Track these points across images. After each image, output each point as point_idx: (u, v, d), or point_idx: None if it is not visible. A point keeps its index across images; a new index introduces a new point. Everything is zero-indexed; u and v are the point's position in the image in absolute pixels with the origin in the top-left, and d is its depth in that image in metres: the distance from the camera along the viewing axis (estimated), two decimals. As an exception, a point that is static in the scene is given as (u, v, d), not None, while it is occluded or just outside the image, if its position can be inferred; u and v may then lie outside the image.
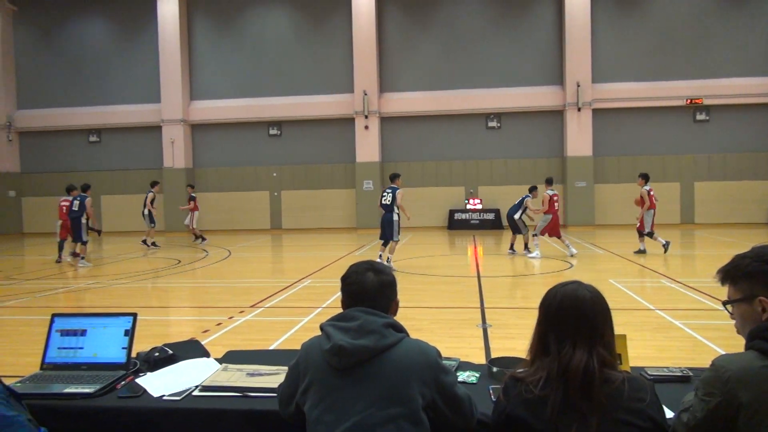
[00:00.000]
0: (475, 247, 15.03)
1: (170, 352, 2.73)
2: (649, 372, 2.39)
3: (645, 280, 9.81)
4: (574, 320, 1.77)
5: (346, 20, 21.29)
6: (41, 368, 2.59)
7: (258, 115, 21.84)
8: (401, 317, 2.05)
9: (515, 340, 5.93)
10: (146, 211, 16.74)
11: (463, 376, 2.44)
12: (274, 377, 2.41)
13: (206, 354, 2.82)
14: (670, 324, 6.52)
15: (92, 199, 14.20)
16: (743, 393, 1.59)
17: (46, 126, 23.06)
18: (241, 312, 7.65)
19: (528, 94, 20.76)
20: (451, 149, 21.45)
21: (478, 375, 2.46)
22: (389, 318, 1.99)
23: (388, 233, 11.34)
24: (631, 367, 2.29)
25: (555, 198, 12.85)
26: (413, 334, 2.04)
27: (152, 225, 16.89)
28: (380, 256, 11.39)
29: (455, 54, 21.08)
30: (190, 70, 22.29)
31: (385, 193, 11.58)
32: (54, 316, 2.69)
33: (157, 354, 2.70)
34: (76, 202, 13.69)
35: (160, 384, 2.41)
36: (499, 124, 21.20)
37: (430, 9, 21.18)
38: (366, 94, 20.86)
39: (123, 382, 2.44)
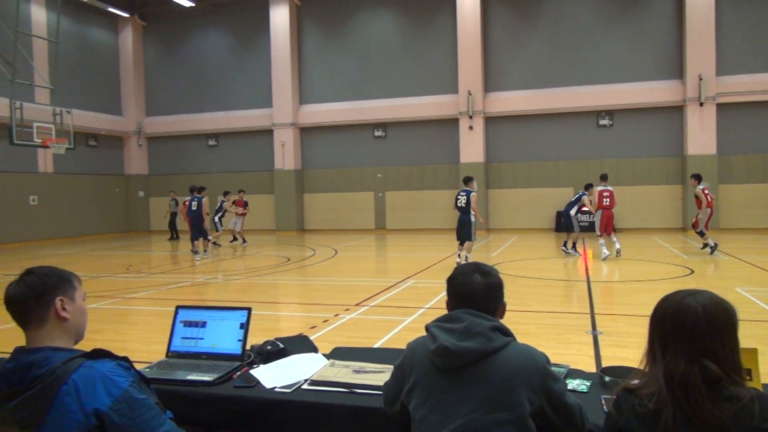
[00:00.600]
0: (585, 250, 14.43)
1: (281, 346, 2.84)
2: (784, 390, 2.18)
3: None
4: (674, 330, 1.65)
5: (450, 20, 21.21)
6: (166, 356, 2.78)
7: (363, 118, 22.29)
8: (506, 321, 2.01)
9: (628, 349, 5.64)
10: (216, 218, 17.38)
11: (572, 384, 2.34)
12: (379, 375, 2.45)
13: (315, 349, 2.91)
14: (808, 338, 5.92)
15: (208, 199, 15.43)
16: None
17: (171, 131, 24.90)
18: (347, 310, 7.83)
19: (643, 89, 19.63)
20: (558, 149, 20.75)
21: (588, 384, 2.36)
22: (496, 321, 1.95)
23: (465, 234, 11.63)
24: (764, 385, 2.09)
25: (605, 194, 12.80)
26: (519, 339, 2.00)
27: (221, 228, 17.62)
28: (459, 255, 11.77)
29: (563, 50, 20.37)
30: (299, 75, 23.17)
31: (459, 196, 11.77)
32: (178, 308, 2.88)
33: (269, 347, 2.82)
34: (194, 203, 15.10)
35: (272, 376, 2.52)
36: (611, 122, 20.22)
37: (536, 4, 20.61)
38: (470, 94, 20.67)
39: (238, 373, 2.57)
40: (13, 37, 14.54)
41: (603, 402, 2.15)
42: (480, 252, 14.71)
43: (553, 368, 1.94)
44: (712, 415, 1.53)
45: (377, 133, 22.51)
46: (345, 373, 2.51)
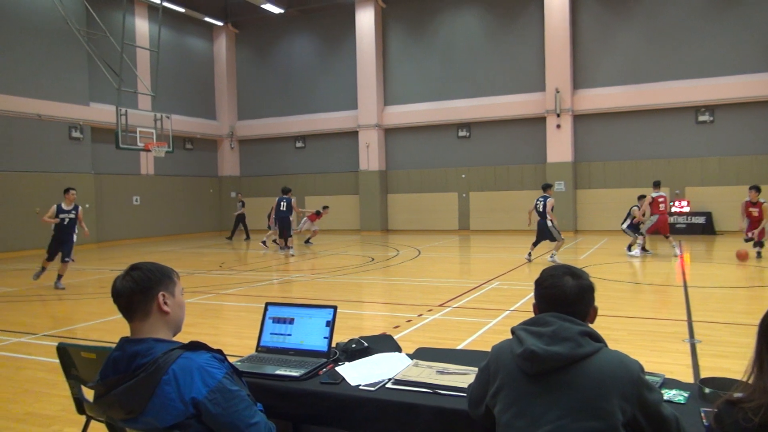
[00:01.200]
0: (681, 254, 13.66)
1: (366, 344, 2.88)
2: None
3: None
4: None
5: (537, 16, 20.70)
6: (256, 350, 2.89)
7: (447, 118, 22.18)
8: (595, 326, 1.94)
9: (729, 359, 5.29)
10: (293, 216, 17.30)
11: (669, 394, 2.22)
12: (463, 377, 2.43)
13: (398, 349, 2.93)
14: None
15: (296, 199, 16.07)
16: None
17: (261, 134, 25.86)
18: (430, 310, 7.82)
19: (747, 82, 18.27)
20: (652, 147, 19.74)
21: (686, 395, 2.23)
22: (586, 326, 1.89)
23: (547, 236, 12.52)
24: None
25: (660, 200, 13.46)
26: (609, 345, 1.92)
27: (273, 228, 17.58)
28: (553, 255, 12.42)
29: (659, 42, 19.34)
30: (384, 77, 23.39)
31: (537, 202, 12.85)
32: (268, 304, 2.99)
33: (354, 345, 2.87)
34: (284, 203, 15.66)
35: (357, 374, 2.56)
36: (711, 118, 18.99)
37: (630, -3, 19.71)
38: (558, 92, 20.07)
39: (324, 369, 2.63)
40: (120, 48, 15.59)
41: (703, 415, 2.03)
42: (567, 254, 14.27)
43: (647, 377, 1.86)
44: None
45: (461, 134, 22.33)
46: (429, 373, 2.51)
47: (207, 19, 24.78)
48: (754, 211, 12.33)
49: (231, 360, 2.05)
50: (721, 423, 1.59)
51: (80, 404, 3.08)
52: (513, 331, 1.96)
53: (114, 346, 1.96)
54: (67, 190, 10.78)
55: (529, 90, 21.00)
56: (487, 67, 21.62)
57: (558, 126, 20.28)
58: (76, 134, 19.24)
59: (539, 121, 20.82)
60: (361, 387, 2.45)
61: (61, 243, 10.50)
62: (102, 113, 19.56)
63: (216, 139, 26.15)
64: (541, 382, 1.81)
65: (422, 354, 2.86)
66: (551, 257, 12.40)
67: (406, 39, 23.05)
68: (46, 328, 7.39)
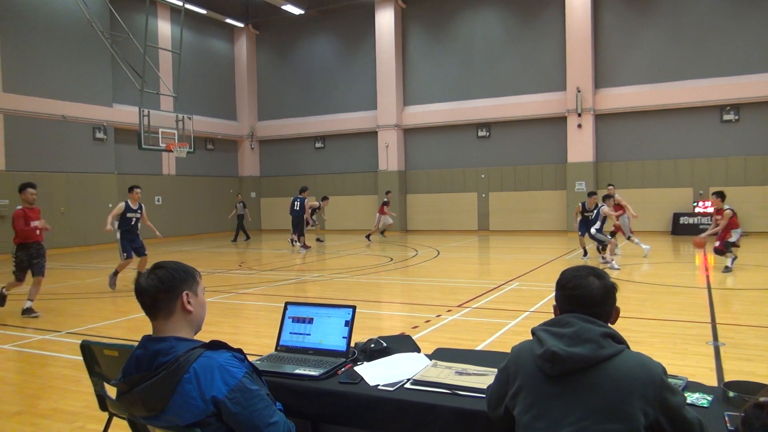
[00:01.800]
0: (705, 255, 13.43)
1: (384, 344, 2.88)
2: None
3: None
4: None
5: (558, 14, 20.52)
6: (276, 349, 2.90)
7: (467, 118, 22.09)
8: (616, 328, 1.91)
9: (754, 362, 5.20)
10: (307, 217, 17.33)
11: (692, 398, 2.19)
12: (482, 378, 2.42)
13: (417, 349, 2.92)
14: None
15: (311, 200, 16.56)
16: None
17: (281, 135, 26.00)
18: (449, 311, 7.80)
19: (775, 80, 17.93)
20: (675, 147, 19.46)
21: (710, 399, 2.19)
22: (608, 327, 1.87)
23: (599, 240, 12.31)
24: None
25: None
26: (630, 348, 1.89)
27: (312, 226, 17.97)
28: (603, 258, 12.24)
29: (683, 41, 19.05)
30: (403, 77, 23.37)
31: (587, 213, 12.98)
32: (287, 304, 3.01)
33: (372, 345, 2.87)
34: (297, 203, 16.49)
35: (376, 374, 2.56)
36: (737, 117, 18.66)
37: (653, -6, 19.45)
38: (579, 91, 19.88)
39: (343, 369, 2.63)
40: (143, 50, 15.79)
41: (727, 419, 1.99)
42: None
43: (670, 380, 1.83)
44: None
45: (481, 133, 22.22)
46: (447, 374, 2.51)
47: (228, 20, 25.00)
48: (719, 219, 11.37)
49: (251, 359, 2.06)
50: (750, 427, 1.56)
51: (103, 401, 3.13)
52: (533, 332, 1.95)
53: (136, 344, 1.99)
54: (132, 189, 10.34)
55: (549, 89, 20.83)
56: (507, 67, 21.49)
57: (579, 126, 20.09)
58: (99, 135, 19.54)
59: (560, 120, 20.64)
60: (379, 387, 2.45)
61: (132, 241, 10.19)
62: (125, 114, 19.85)
63: (236, 139, 26.36)
64: (561, 384, 1.79)
65: (441, 354, 2.85)
66: (605, 260, 12.07)
67: (426, 39, 23.01)
68: (70, 325, 7.52)
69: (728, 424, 1.95)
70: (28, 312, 8.14)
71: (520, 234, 20.92)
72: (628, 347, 1.85)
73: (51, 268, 13.64)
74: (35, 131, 17.64)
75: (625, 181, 20.03)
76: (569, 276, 1.97)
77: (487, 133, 22.11)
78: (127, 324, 7.63)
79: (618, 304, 2.00)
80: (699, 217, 18.65)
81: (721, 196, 11.46)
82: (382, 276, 11.71)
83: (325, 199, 19.23)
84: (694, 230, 18.54)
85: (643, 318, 7.14)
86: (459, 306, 8.11)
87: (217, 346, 1.94)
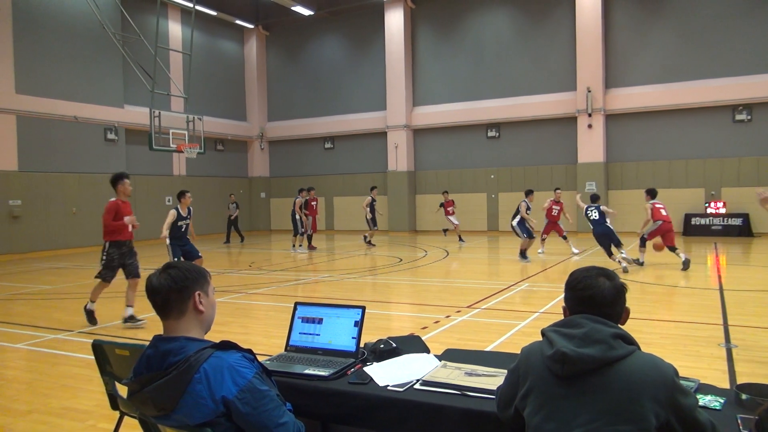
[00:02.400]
0: (717, 256, 13.32)
1: (394, 345, 2.88)
2: None
3: None
4: None
5: (568, 14, 20.43)
6: (285, 349, 2.91)
7: (476, 118, 22.04)
8: (626, 329, 1.90)
9: (767, 365, 5.14)
10: (298, 216, 17.00)
11: (704, 400, 2.17)
12: (492, 378, 2.41)
13: (426, 350, 2.92)
14: None
15: (320, 200, 16.76)
16: None
17: (290, 135, 26.07)
18: (458, 312, 7.78)
19: (788, 80, 17.74)
20: (687, 147, 19.31)
21: (722, 401, 2.17)
22: (618, 328, 1.85)
23: (614, 241, 11.86)
24: None
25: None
26: (641, 349, 1.88)
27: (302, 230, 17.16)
28: (620, 260, 11.52)
29: (694, 40, 18.90)
30: (413, 77, 23.36)
31: (589, 211, 12.42)
32: (297, 304, 3.01)
33: (382, 346, 2.87)
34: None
35: (385, 374, 2.56)
36: (749, 117, 18.49)
37: (664, -6, 19.31)
38: (590, 91, 19.77)
39: (353, 369, 2.64)
40: (154, 52, 15.89)
41: (740, 422, 1.97)
42: (597, 255, 14.05)
43: (682, 382, 1.81)
44: None
45: (490, 134, 22.17)
46: (457, 375, 2.50)
47: (238, 21, 25.10)
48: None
49: (260, 359, 2.07)
50: (764, 430, 1.55)
51: (114, 400, 3.15)
52: (543, 333, 1.94)
53: (147, 343, 2.00)
54: (182, 193, 9.65)
55: (559, 89, 20.74)
56: (517, 67, 21.42)
57: (589, 126, 19.98)
58: (111, 136, 19.68)
59: (570, 120, 20.54)
60: (389, 387, 2.44)
61: (184, 246, 9.57)
62: (136, 115, 19.98)
63: (246, 140, 26.46)
64: (572, 385, 1.79)
65: (450, 355, 2.85)
66: (623, 261, 11.70)
67: (436, 39, 22.99)
68: (82, 325, 7.57)
69: (741, 427, 1.93)
70: (131, 320, 7.39)
71: (530, 235, 20.79)
72: (639, 348, 1.84)
73: (63, 268, 13.78)
74: (47, 132, 17.80)
75: (635, 182, 19.90)
76: (579, 277, 1.96)
77: (497, 134, 22.05)
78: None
79: (628, 304, 1.98)
80: (711, 218, 18.49)
81: (651, 193, 12.26)
82: (391, 276, 11.71)
83: (310, 189, 18.15)
84: (705, 231, 18.41)
85: (654, 319, 7.09)
86: (468, 307, 8.09)
87: (227, 346, 1.94)
